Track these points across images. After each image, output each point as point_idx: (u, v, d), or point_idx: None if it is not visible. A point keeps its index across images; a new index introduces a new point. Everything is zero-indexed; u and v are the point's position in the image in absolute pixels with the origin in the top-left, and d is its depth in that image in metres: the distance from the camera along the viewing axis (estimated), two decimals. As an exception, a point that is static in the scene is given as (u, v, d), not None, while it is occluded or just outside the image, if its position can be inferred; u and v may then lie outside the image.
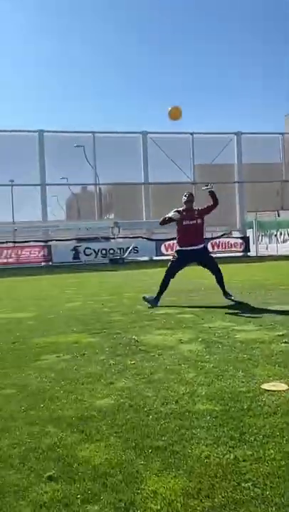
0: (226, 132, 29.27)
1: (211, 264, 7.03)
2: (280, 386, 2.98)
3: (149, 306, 6.74)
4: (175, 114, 7.67)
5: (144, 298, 7.00)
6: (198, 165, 29.40)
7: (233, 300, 6.80)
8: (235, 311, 6.06)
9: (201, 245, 7.11)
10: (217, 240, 26.00)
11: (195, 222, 6.95)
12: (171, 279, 7.03)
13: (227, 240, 26.44)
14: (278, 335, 4.49)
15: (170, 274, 7.01)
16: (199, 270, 7.47)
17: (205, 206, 7.13)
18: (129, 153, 26.92)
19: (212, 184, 7.21)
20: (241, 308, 6.34)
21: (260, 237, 28.52)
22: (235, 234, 28.18)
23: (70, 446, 2.25)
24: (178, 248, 7.12)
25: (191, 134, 28.28)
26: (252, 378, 3.17)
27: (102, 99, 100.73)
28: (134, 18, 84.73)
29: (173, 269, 7.03)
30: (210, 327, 5.06)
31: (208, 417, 2.52)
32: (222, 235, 26.26)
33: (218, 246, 25.78)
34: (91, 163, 26.22)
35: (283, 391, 2.89)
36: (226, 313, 5.91)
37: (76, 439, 2.33)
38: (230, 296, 6.90)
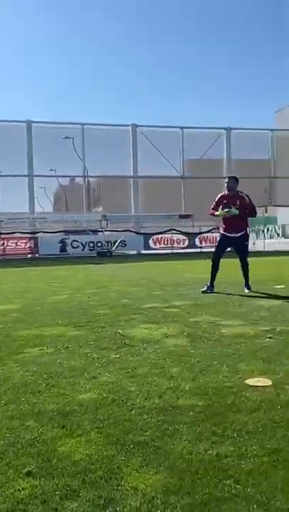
0: (216, 127, 29.24)
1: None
2: (264, 382, 2.97)
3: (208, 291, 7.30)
4: None
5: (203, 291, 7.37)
6: (188, 160, 29.36)
7: (250, 291, 7.29)
8: (222, 306, 6.05)
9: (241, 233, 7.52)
10: (205, 235, 26.03)
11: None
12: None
13: (215, 235, 26.47)
14: (263, 330, 4.48)
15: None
16: (188, 264, 7.46)
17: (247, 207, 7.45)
18: (119, 146, 26.74)
19: (229, 210, 7.33)
20: (228, 302, 6.33)
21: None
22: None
23: (50, 442, 2.21)
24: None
25: (181, 128, 28.20)
26: (236, 373, 3.15)
27: (93, 91, 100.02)
28: (131, 8, 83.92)
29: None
30: (196, 321, 5.04)
31: (192, 413, 2.49)
32: (211, 230, 26.27)
33: (206, 241, 25.83)
34: (80, 155, 26.02)
35: (267, 387, 2.87)
36: (212, 308, 5.90)
37: (56, 434, 2.29)
38: (249, 288, 7.41)
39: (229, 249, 7.70)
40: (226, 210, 7.32)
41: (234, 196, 7.41)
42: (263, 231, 26.98)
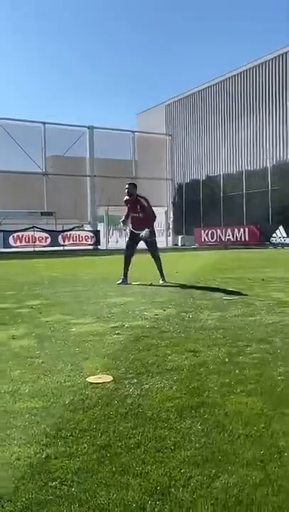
0: (79, 125, 29.26)
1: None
2: (105, 378, 3.01)
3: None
4: None
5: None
6: (51, 156, 28.93)
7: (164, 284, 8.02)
8: (76, 304, 6.04)
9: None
10: (68, 233, 25.89)
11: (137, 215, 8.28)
12: None
13: (78, 232, 26.51)
14: (112, 327, 4.57)
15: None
16: (48, 262, 7.34)
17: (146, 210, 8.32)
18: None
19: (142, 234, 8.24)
20: (82, 301, 6.34)
21: (111, 232, 29.12)
22: (87, 227, 28.41)
23: None
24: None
25: (43, 123, 27.68)
26: (79, 372, 3.15)
27: None
28: None
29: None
30: (47, 321, 4.96)
31: (27, 416, 2.42)
32: (73, 228, 26.23)
33: (68, 239, 25.69)
34: None
35: (107, 383, 2.92)
36: (66, 307, 5.86)
37: None
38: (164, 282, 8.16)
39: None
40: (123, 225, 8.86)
41: (135, 201, 8.28)
42: (125, 229, 27.79)
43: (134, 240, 8.43)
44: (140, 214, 8.26)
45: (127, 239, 8.70)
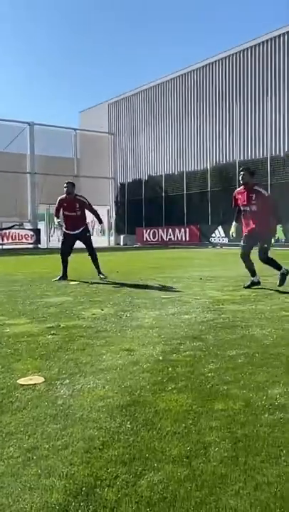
0: (19, 121, 28.60)
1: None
2: (36, 379, 2.95)
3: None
4: None
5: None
6: (-10, 152, 28.05)
7: (103, 279, 8.25)
8: (12, 304, 5.89)
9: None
10: (7, 231, 25.22)
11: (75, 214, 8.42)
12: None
13: (18, 231, 25.88)
14: (48, 327, 4.50)
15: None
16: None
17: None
18: None
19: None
20: (18, 301, 6.19)
21: (52, 230, 28.65)
22: (27, 225, 27.80)
23: None
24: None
25: (-19, 118, 26.80)
26: (10, 373, 3.08)
27: None
28: None
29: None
30: (-20, 322, 4.80)
31: None
32: (12, 226, 25.57)
33: (7, 237, 25.04)
34: None
35: (39, 384, 2.87)
36: (0, 307, 5.70)
37: None
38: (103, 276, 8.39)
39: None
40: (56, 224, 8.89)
41: (73, 200, 8.36)
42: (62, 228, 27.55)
43: (69, 240, 8.51)
44: (78, 213, 8.35)
45: (62, 239, 8.84)
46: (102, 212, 32.65)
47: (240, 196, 7.02)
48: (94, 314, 5.13)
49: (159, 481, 1.76)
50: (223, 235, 24.35)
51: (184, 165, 29.10)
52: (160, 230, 28.30)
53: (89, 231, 8.66)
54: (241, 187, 7.04)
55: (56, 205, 8.65)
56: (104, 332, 4.28)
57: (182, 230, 26.98)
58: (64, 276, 8.35)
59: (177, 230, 27.22)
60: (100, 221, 9.10)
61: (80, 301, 6.11)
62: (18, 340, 4.02)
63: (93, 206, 8.62)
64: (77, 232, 8.44)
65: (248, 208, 6.86)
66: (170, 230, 27.65)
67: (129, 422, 2.29)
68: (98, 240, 23.66)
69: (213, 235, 25.11)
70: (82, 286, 7.69)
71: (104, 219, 31.79)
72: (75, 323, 4.67)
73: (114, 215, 32.32)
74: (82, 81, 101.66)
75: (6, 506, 1.63)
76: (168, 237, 27.72)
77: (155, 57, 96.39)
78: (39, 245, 26.11)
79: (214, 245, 24.64)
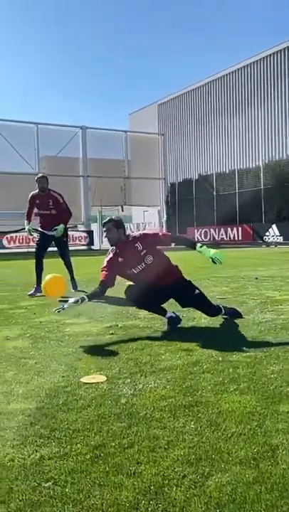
0: (72, 125, 29.22)
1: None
2: (99, 378, 3.01)
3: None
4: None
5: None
6: (45, 156, 28.83)
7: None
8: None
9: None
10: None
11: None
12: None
13: (71, 233, 26.44)
14: (106, 327, 4.57)
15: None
16: (48, 263, 7.37)
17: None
18: None
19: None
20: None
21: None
22: (80, 227, 28.38)
23: None
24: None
25: (36, 124, 27.62)
26: (73, 372, 3.15)
27: None
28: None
29: None
30: (41, 321, 4.95)
31: (21, 416, 2.42)
32: (67, 229, 26.20)
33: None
34: None
35: (101, 383, 2.92)
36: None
37: None
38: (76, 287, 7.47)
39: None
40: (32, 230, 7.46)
41: (47, 196, 7.30)
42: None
43: (45, 241, 7.42)
44: (52, 211, 7.27)
45: (38, 241, 7.60)
46: (153, 212, 32.87)
47: None
48: (150, 314, 5.15)
49: (227, 483, 1.75)
50: (277, 233, 23.80)
51: (235, 163, 28.71)
52: (212, 230, 28.04)
53: (67, 236, 7.61)
54: None
55: (28, 204, 7.45)
56: (161, 332, 4.30)
57: (234, 229, 26.61)
58: (38, 288, 6.76)
59: (229, 230, 26.88)
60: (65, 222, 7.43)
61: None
62: (79, 339, 4.11)
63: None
64: (53, 232, 7.24)
65: None
66: (222, 230, 27.34)
67: (192, 422, 2.29)
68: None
69: (267, 233, 24.59)
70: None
71: (156, 220, 32.05)
72: (133, 323, 4.71)
73: (165, 216, 32.36)
74: (133, 82, 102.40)
75: (78, 502, 1.67)
76: (220, 236, 27.42)
77: (205, 55, 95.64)
78: (92, 247, 26.57)
79: (268, 244, 24.13)
